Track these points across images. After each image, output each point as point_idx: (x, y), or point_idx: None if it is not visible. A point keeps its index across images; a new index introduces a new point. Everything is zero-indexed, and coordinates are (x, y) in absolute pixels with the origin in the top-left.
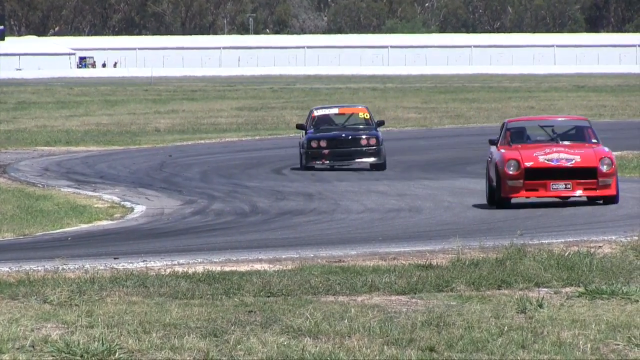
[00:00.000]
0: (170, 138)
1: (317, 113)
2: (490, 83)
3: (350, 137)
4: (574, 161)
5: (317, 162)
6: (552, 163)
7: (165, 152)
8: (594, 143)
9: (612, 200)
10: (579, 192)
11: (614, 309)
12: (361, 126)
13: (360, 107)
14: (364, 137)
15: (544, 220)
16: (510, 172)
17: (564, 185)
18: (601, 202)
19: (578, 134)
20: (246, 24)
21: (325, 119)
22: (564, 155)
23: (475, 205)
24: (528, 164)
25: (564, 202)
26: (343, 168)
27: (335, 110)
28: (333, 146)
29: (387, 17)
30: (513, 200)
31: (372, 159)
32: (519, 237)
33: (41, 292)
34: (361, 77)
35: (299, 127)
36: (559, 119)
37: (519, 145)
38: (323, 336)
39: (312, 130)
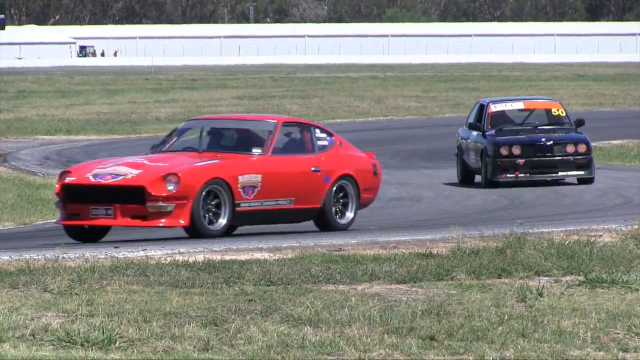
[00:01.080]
0: (170, 127)
1: (495, 108)
2: (490, 72)
3: (551, 142)
4: (121, 177)
5: (509, 176)
6: (94, 179)
7: None
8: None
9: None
10: (122, 222)
11: (614, 297)
12: (556, 127)
13: (551, 100)
14: (570, 142)
15: (544, 208)
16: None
17: (104, 211)
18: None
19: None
20: (246, 12)
21: (504, 115)
22: (121, 169)
23: (475, 194)
24: (69, 179)
25: (562, 191)
26: (540, 181)
27: (519, 105)
28: (530, 154)
29: (388, 6)
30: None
31: (580, 172)
32: (519, 226)
33: (41, 281)
34: (361, 66)
35: (473, 127)
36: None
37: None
38: (323, 325)
39: (492, 131)
